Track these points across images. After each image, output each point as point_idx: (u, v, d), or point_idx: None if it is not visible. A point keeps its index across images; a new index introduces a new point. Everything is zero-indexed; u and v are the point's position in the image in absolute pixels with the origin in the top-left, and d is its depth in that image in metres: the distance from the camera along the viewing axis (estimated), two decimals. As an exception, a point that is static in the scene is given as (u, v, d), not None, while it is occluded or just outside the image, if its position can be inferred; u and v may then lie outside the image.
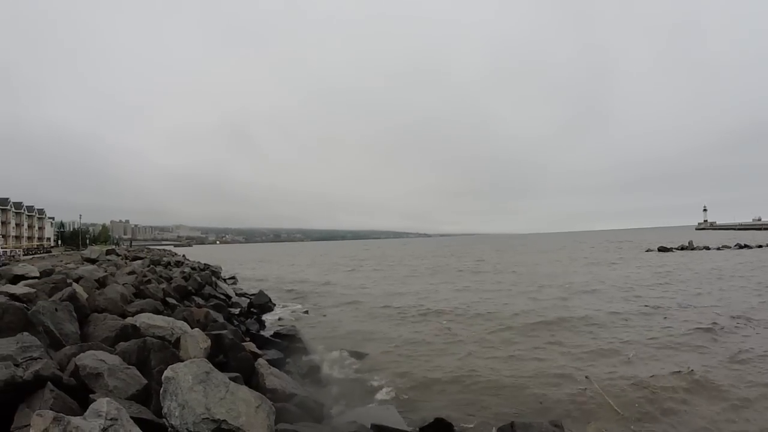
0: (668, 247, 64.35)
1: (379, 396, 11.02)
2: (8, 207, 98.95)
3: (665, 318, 17.50)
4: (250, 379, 9.16)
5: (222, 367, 7.32)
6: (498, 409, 9.86)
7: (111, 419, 4.54)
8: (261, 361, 10.55)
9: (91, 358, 6.53)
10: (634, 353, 12.93)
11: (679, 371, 11.18)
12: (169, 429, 5.70)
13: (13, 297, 11.04)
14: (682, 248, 62.01)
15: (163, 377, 6.12)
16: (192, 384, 6.09)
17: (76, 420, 4.30)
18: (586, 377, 11.18)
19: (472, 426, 9.18)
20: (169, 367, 6.36)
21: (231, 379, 6.86)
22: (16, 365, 5.68)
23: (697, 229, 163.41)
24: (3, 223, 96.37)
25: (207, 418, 5.85)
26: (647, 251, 63.09)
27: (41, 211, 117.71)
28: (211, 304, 19.81)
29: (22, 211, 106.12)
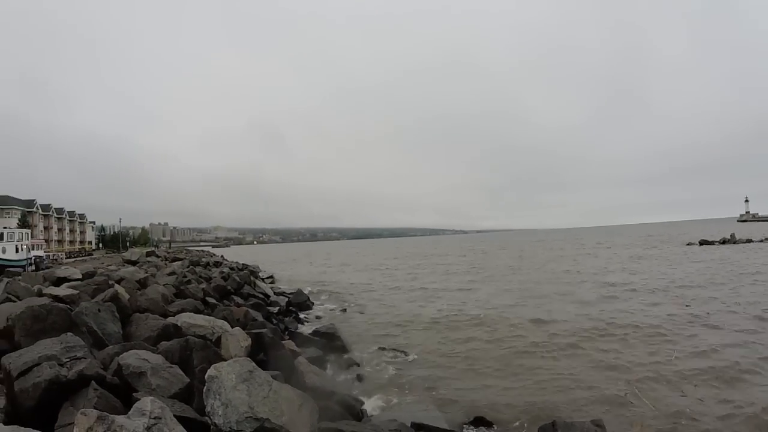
0: (710, 240, 62.59)
1: (419, 394, 10.91)
2: (50, 212, 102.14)
3: (708, 313, 16.84)
4: (290, 377, 9.13)
5: (262, 365, 7.31)
6: (540, 407, 9.66)
7: (155, 418, 4.52)
8: (301, 359, 10.54)
9: (134, 358, 6.57)
10: (676, 355, 12.51)
11: (725, 377, 10.68)
12: (212, 427, 5.69)
13: (57, 299, 11.28)
14: (724, 241, 60.08)
15: (206, 376, 6.12)
16: (235, 383, 6.07)
17: (120, 419, 4.29)
18: (628, 378, 10.86)
19: (512, 424, 9.02)
20: (213, 366, 6.36)
21: (272, 377, 6.84)
22: (61, 365, 5.75)
23: (738, 221, 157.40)
24: (45, 228, 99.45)
25: (250, 417, 5.82)
26: (688, 245, 61.46)
27: (82, 216, 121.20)
28: (250, 303, 19.98)
29: (64, 216, 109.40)
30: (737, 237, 61.35)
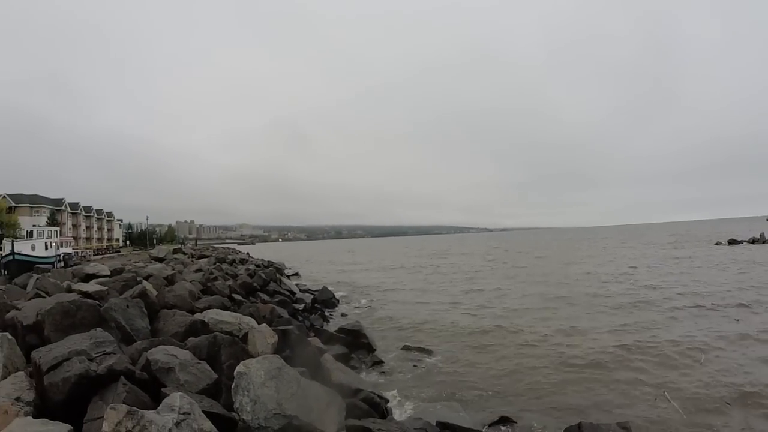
0: (738, 239, 61.01)
1: (443, 392, 10.82)
2: (78, 211, 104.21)
3: (738, 321, 16.28)
4: (316, 373, 9.13)
5: (288, 362, 7.30)
6: (566, 409, 9.51)
7: (184, 413, 4.53)
8: (327, 356, 10.55)
9: (162, 353, 6.61)
10: (704, 357, 12.18)
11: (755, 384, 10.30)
12: (240, 423, 5.70)
13: (86, 295, 11.49)
14: (754, 241, 58.35)
15: (235, 372, 6.13)
16: (264, 379, 6.07)
17: (149, 414, 4.31)
18: (659, 385, 10.60)
19: (538, 425, 8.89)
20: (242, 362, 6.37)
21: (299, 374, 6.84)
22: (90, 360, 5.81)
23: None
24: (74, 225, 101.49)
25: (278, 414, 5.82)
26: (717, 244, 60.12)
27: (110, 214, 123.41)
28: (276, 300, 20.11)
29: (92, 214, 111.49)
30: (767, 236, 59.81)
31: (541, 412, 9.49)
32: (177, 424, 4.38)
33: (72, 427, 4.73)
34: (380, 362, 13.36)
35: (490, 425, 8.82)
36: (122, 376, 5.64)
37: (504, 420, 8.94)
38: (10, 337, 6.94)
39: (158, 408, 4.63)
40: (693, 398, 9.72)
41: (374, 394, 9.25)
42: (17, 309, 9.53)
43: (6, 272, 32.09)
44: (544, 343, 14.67)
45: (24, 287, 16.25)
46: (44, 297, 11.82)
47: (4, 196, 79.25)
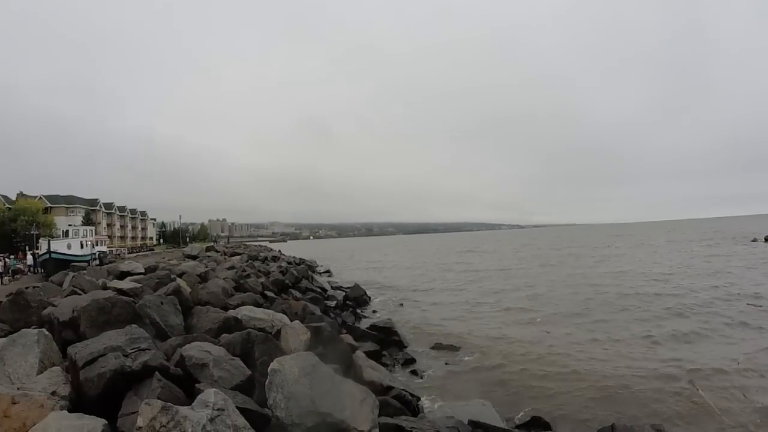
0: (774, 236, 59.06)
1: (475, 391, 10.69)
2: (113, 210, 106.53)
3: None
4: (348, 370, 9.11)
5: (320, 359, 7.29)
6: (598, 409, 9.32)
7: (218, 409, 4.53)
8: (359, 353, 10.54)
9: (196, 349, 6.64)
10: (742, 359, 11.76)
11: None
12: (274, 420, 5.69)
13: (121, 292, 11.64)
14: None
15: (269, 369, 6.13)
16: (298, 376, 6.06)
17: (183, 410, 4.31)
18: (691, 381, 10.30)
19: (570, 425, 8.73)
20: (276, 359, 6.38)
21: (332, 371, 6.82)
22: (125, 356, 5.86)
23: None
24: (108, 225, 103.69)
25: (312, 411, 5.80)
26: (753, 241, 58.37)
27: (143, 213, 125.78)
28: (308, 297, 20.20)
29: (126, 213, 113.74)
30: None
31: (575, 413, 9.33)
32: (211, 420, 4.38)
33: (107, 422, 4.77)
34: (412, 360, 13.29)
35: (522, 425, 8.69)
36: (157, 372, 5.68)
37: (536, 420, 8.80)
38: (46, 333, 7.08)
39: (192, 404, 4.64)
40: (733, 399, 9.48)
41: (406, 391, 9.22)
42: (54, 306, 9.73)
43: (43, 270, 33.00)
44: (578, 346, 14.35)
45: (60, 285, 16.63)
46: (80, 294, 12.04)
47: (41, 197, 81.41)
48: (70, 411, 5.10)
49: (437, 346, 14.61)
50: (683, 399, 9.58)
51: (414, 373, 12.26)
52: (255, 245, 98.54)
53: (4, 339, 6.83)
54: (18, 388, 5.41)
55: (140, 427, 4.11)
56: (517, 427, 8.65)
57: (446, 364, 13.00)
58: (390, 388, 8.93)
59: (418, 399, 9.57)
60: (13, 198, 76.18)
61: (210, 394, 4.70)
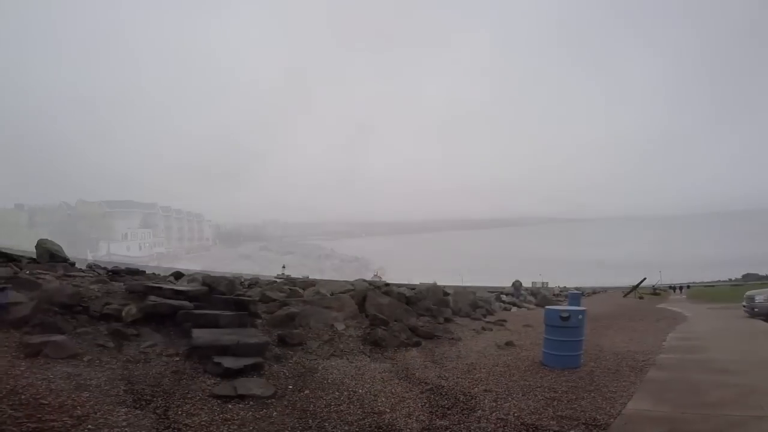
0: None
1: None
2: (170, 213, 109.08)
3: None
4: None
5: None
6: None
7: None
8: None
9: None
10: None
11: None
12: None
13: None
14: None
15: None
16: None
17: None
18: None
19: None
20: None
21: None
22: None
23: None
24: (166, 227, 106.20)
25: None
26: None
27: (199, 215, 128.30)
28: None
29: (182, 216, 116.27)
30: None
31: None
32: None
33: None
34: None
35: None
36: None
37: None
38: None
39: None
40: None
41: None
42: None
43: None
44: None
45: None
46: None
47: (101, 203, 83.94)
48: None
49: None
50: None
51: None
52: (309, 244, 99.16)
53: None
54: None
55: None
56: None
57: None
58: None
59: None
60: (73, 204, 78.69)
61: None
